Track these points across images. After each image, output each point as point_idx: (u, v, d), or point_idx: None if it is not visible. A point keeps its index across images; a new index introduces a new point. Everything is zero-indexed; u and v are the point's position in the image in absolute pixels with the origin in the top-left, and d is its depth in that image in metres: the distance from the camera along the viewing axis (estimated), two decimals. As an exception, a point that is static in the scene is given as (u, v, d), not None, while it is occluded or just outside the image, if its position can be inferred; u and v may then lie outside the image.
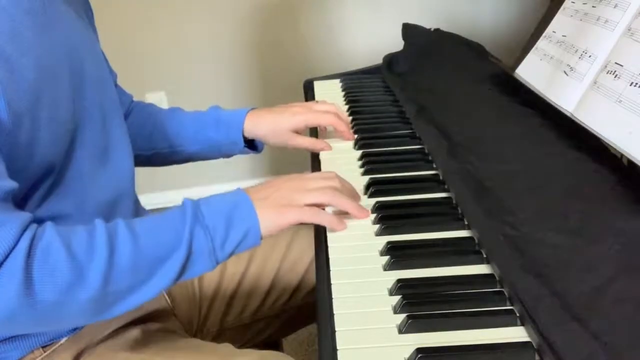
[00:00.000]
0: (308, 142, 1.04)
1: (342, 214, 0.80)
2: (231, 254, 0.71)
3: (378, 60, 1.43)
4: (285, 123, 1.01)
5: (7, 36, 0.65)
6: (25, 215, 0.62)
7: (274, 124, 1.02)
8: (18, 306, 0.59)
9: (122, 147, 0.85)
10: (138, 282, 0.66)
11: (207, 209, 0.70)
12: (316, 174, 0.83)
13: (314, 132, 1.10)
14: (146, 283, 0.66)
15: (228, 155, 1.07)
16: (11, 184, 0.63)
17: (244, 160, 1.94)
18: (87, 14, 0.90)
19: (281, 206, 0.74)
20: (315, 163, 1.01)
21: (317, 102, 1.06)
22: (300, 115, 1.02)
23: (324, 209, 0.78)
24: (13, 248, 0.59)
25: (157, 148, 1.04)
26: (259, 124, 1.02)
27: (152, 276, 0.66)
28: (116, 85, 1.03)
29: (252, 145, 1.06)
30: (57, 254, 0.61)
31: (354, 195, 0.82)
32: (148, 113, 1.06)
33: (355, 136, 1.06)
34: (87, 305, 0.63)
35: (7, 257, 0.58)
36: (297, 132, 1.03)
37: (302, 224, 0.76)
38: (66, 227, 0.65)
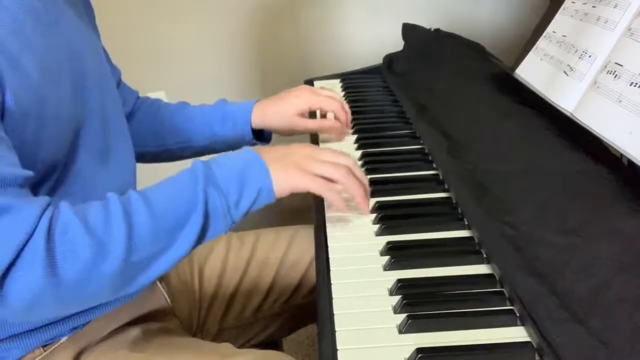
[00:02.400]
0: (314, 124, 1.04)
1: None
2: (246, 213, 0.71)
3: (378, 60, 1.43)
4: (290, 107, 1.02)
5: (11, 35, 0.65)
6: (43, 199, 0.62)
7: (279, 110, 1.02)
8: (43, 288, 0.58)
9: (123, 146, 0.85)
10: (160, 250, 0.65)
11: (218, 168, 0.70)
12: (332, 149, 0.81)
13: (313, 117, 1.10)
14: (168, 249, 0.66)
15: (236, 148, 1.07)
16: (27, 172, 0.63)
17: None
18: (88, 13, 0.91)
19: (293, 168, 0.73)
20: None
21: (322, 88, 1.07)
22: (303, 97, 1.02)
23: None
24: (34, 231, 0.59)
25: (166, 144, 1.05)
26: (266, 115, 1.03)
27: (174, 242, 0.66)
28: (120, 82, 1.03)
29: (260, 136, 1.07)
30: (75, 231, 0.60)
31: (364, 184, 0.81)
32: (155, 109, 1.06)
33: (355, 136, 1.06)
34: (111, 278, 0.62)
35: (28, 240, 0.58)
36: (302, 115, 1.03)
37: (309, 193, 0.75)
38: (80, 205, 0.64)
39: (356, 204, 0.80)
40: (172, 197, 0.67)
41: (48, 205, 0.62)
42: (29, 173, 0.63)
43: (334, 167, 0.76)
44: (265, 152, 0.74)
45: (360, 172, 0.80)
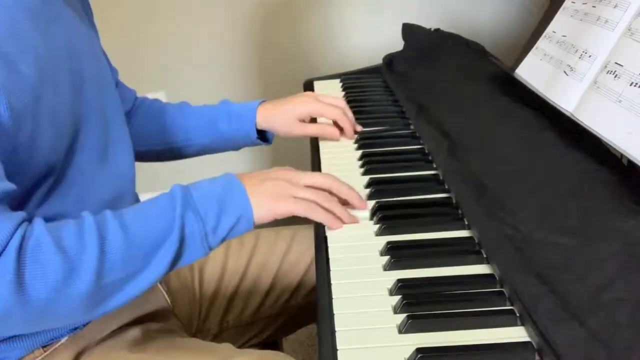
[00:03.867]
0: (314, 129, 1.05)
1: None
2: (224, 240, 0.71)
3: (378, 60, 1.43)
4: (292, 112, 1.03)
5: (8, 36, 0.64)
6: (17, 215, 0.61)
7: (282, 113, 1.03)
8: (11, 306, 0.58)
9: (122, 147, 0.85)
10: (132, 273, 0.65)
11: (198, 193, 0.70)
12: (312, 172, 0.82)
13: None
14: (141, 273, 0.65)
15: (238, 148, 1.08)
16: (8, 186, 0.62)
17: (245, 161, 1.94)
18: (87, 11, 0.90)
19: (275, 195, 0.73)
20: (315, 160, 1.02)
21: (326, 95, 1.07)
22: (305, 103, 1.03)
23: None
24: (5, 247, 0.58)
25: (169, 143, 1.05)
26: (270, 116, 1.04)
27: (146, 266, 0.66)
28: (118, 82, 1.03)
29: (263, 137, 1.07)
30: (47, 250, 0.60)
31: (351, 195, 0.81)
32: (156, 109, 1.06)
33: (356, 136, 1.06)
34: (80, 300, 0.62)
35: None
36: (303, 120, 1.04)
37: (295, 217, 0.75)
38: (55, 222, 0.64)
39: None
40: (148, 221, 0.67)
41: (22, 221, 0.61)
42: (10, 186, 0.62)
43: (314, 194, 0.76)
44: (246, 178, 0.74)
45: (344, 187, 0.80)
